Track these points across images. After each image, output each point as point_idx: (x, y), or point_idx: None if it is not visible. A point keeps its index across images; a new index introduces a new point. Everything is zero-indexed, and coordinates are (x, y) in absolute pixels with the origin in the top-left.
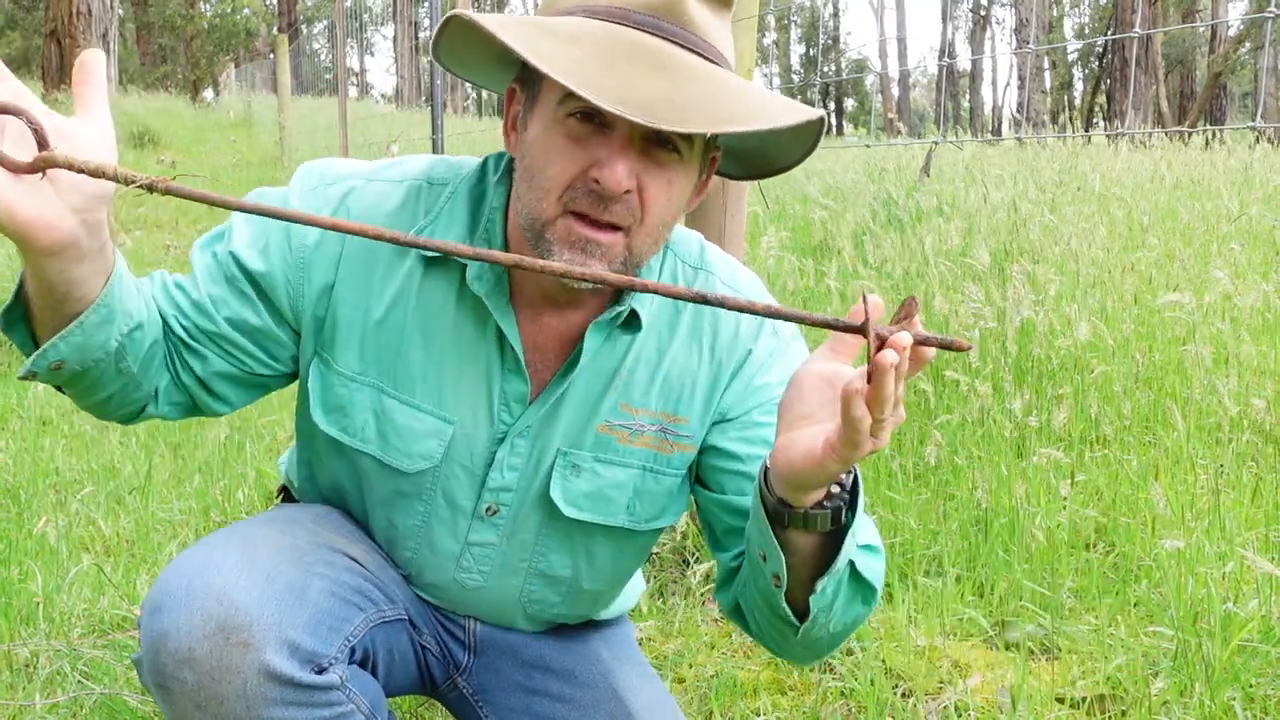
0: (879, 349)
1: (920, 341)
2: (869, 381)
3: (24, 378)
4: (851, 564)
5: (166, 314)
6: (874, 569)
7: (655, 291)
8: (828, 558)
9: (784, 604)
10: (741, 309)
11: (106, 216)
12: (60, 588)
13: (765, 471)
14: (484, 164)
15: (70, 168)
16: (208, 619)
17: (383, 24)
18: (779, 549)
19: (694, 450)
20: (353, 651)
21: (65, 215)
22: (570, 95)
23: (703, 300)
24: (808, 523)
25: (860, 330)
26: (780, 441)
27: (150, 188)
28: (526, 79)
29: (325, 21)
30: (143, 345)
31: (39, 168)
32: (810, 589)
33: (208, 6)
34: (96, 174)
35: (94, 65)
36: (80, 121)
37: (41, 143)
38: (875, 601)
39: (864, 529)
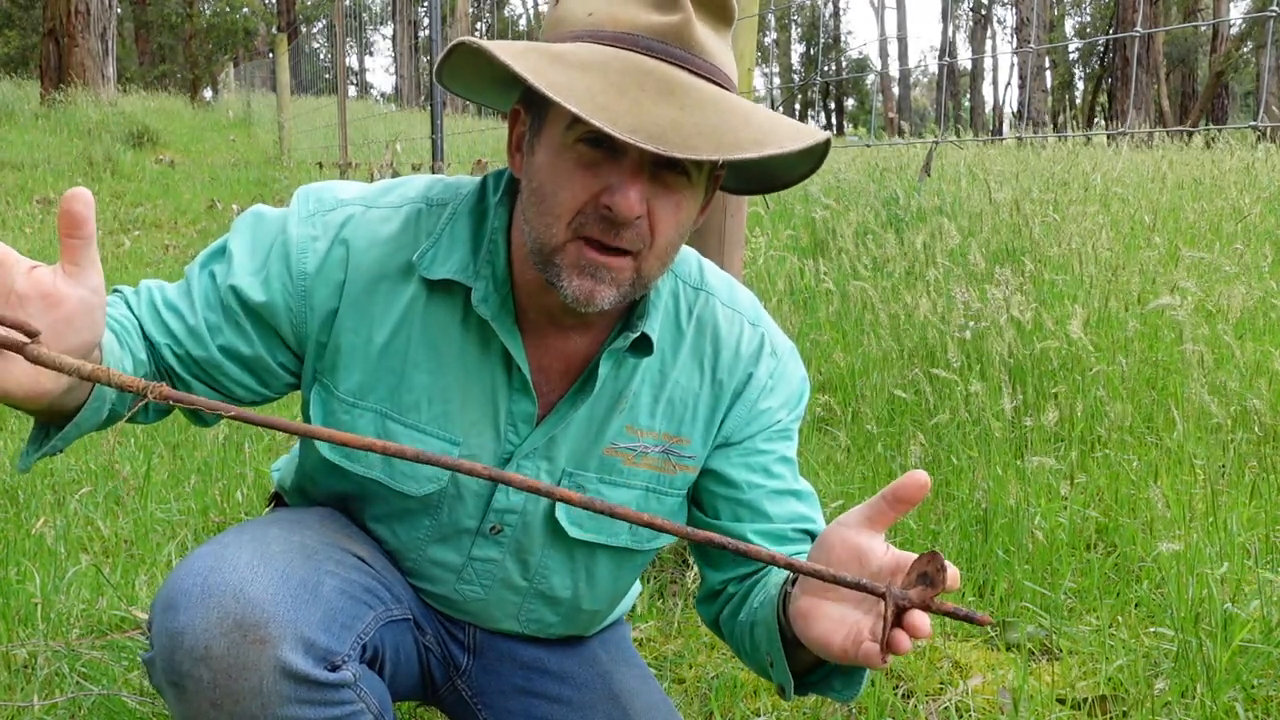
0: (895, 621)
1: (940, 612)
2: (881, 649)
3: (24, 470)
4: None
5: (158, 342)
6: None
7: (672, 533)
8: (838, 669)
9: (779, 690)
10: (763, 559)
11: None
12: (58, 588)
13: (785, 597)
14: (484, 183)
15: (58, 369)
16: (224, 616)
17: (382, 23)
18: (789, 673)
19: (695, 471)
20: (363, 649)
21: (58, 378)
22: (579, 120)
23: (717, 545)
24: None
25: (881, 596)
26: (801, 604)
27: (142, 393)
28: (531, 102)
29: (324, 21)
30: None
31: (30, 362)
32: (810, 682)
33: (207, 6)
34: (86, 378)
35: (82, 215)
36: (70, 281)
37: (29, 332)
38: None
39: None
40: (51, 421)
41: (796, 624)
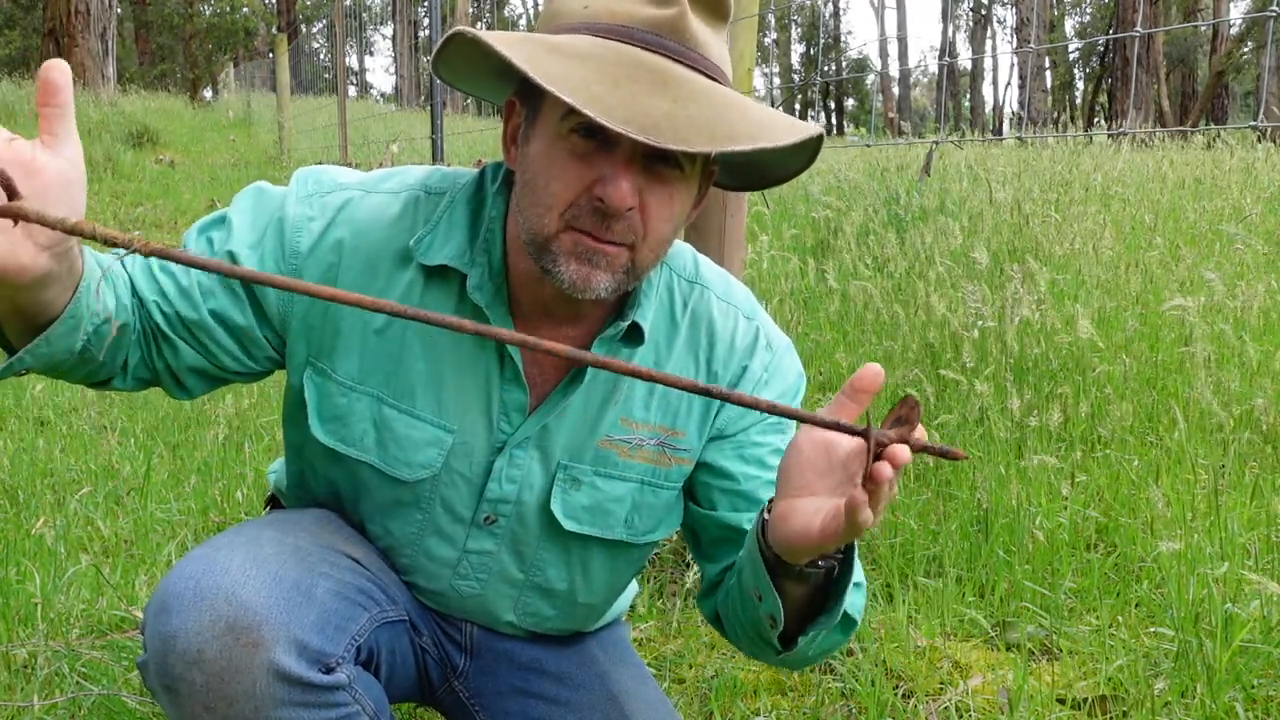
0: (878, 457)
1: (918, 449)
2: (864, 485)
3: None
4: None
5: (147, 299)
6: (858, 605)
7: (652, 379)
8: (819, 602)
9: (774, 637)
10: (746, 404)
11: (76, 242)
12: (58, 588)
13: (764, 523)
14: (483, 173)
15: (42, 223)
16: (217, 619)
17: (382, 23)
18: (777, 596)
19: (691, 464)
20: (358, 651)
21: (37, 255)
22: (573, 111)
23: (705, 393)
24: (802, 578)
25: (863, 435)
26: (778, 510)
27: (128, 247)
28: (527, 93)
29: (324, 21)
30: (108, 335)
31: (7, 217)
32: (799, 626)
33: (207, 6)
34: (70, 232)
35: (58, 83)
36: (48, 151)
37: (10, 191)
38: (855, 630)
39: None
40: (21, 340)
41: (776, 530)
